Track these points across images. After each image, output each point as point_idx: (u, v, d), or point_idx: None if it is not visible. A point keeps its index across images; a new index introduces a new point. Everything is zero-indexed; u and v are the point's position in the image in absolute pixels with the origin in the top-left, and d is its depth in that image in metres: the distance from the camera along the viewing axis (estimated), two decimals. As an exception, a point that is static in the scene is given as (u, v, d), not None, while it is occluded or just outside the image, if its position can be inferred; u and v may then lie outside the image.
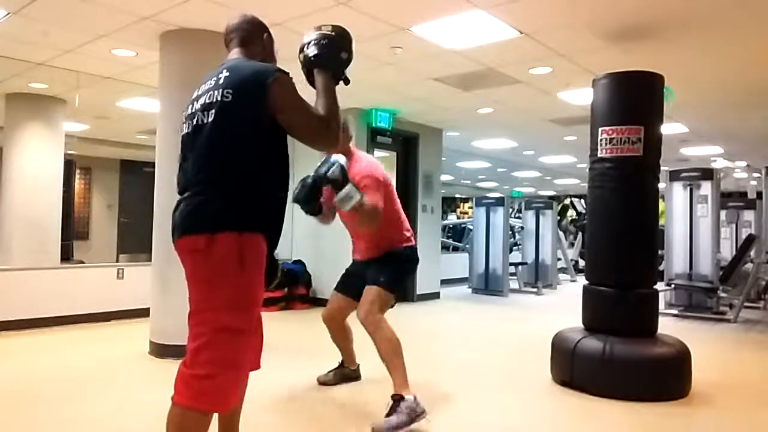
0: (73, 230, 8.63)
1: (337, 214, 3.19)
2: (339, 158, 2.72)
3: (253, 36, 2.05)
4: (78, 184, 9.83)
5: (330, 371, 3.58)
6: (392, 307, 3.09)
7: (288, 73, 1.86)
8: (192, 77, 4.10)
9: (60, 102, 6.60)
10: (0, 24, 4.12)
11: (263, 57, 2.03)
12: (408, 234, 3.20)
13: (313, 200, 2.83)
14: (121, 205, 10.47)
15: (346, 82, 1.99)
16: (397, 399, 2.79)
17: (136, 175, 10.02)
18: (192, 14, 3.91)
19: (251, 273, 1.78)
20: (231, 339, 1.74)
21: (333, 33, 1.97)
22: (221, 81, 1.84)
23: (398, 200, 3.23)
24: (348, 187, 2.66)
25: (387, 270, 3.07)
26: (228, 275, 1.74)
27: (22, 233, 6.48)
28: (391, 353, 2.89)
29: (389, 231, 3.11)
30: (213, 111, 1.81)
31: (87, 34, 4.36)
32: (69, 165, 7.32)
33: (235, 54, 2.01)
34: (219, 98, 1.81)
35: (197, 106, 1.88)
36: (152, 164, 4.39)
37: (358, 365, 3.62)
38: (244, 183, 1.79)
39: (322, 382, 3.53)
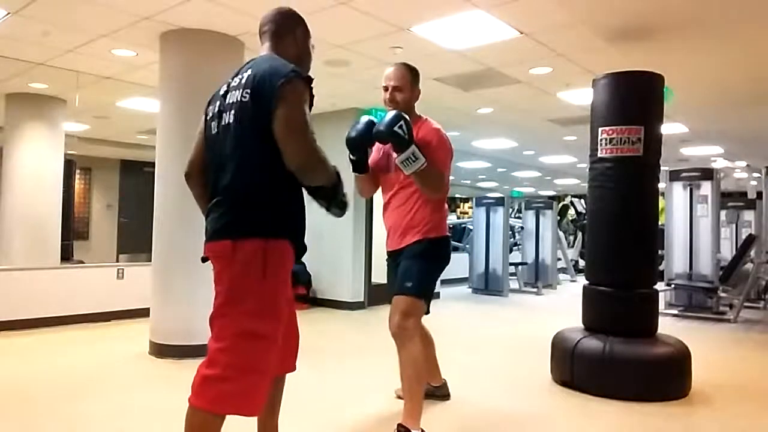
0: (73, 230, 8.62)
1: (379, 186, 2.84)
2: (402, 114, 2.43)
3: (285, 30, 1.96)
4: (78, 184, 9.83)
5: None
6: (427, 313, 2.74)
7: (307, 77, 1.79)
8: (192, 77, 4.22)
9: (60, 102, 6.60)
10: (0, 24, 4.12)
11: (296, 52, 1.95)
12: (446, 223, 2.81)
13: (365, 147, 2.55)
14: (121, 205, 10.49)
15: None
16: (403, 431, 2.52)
17: (136, 175, 10.05)
18: (192, 14, 3.91)
19: (275, 280, 1.76)
20: (252, 345, 1.74)
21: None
22: (244, 80, 1.80)
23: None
24: (412, 148, 2.39)
25: (415, 270, 2.65)
26: (251, 282, 1.74)
27: (22, 233, 6.48)
28: (414, 377, 2.60)
29: (435, 214, 2.70)
30: (233, 112, 1.80)
31: (87, 34, 4.36)
32: (69, 165, 7.32)
33: (264, 50, 1.95)
34: (239, 99, 1.78)
35: (225, 103, 1.85)
36: (152, 164, 4.37)
37: (445, 381, 3.23)
38: (265, 188, 1.77)
39: (399, 397, 2.98)
